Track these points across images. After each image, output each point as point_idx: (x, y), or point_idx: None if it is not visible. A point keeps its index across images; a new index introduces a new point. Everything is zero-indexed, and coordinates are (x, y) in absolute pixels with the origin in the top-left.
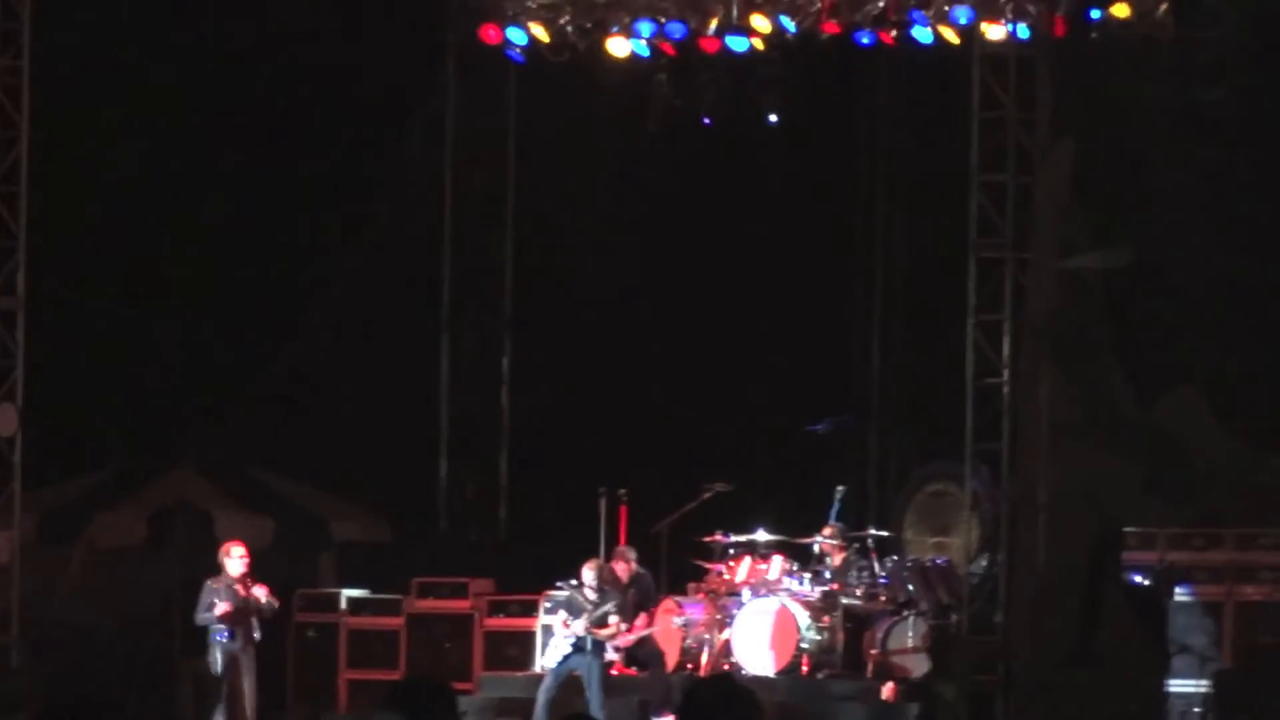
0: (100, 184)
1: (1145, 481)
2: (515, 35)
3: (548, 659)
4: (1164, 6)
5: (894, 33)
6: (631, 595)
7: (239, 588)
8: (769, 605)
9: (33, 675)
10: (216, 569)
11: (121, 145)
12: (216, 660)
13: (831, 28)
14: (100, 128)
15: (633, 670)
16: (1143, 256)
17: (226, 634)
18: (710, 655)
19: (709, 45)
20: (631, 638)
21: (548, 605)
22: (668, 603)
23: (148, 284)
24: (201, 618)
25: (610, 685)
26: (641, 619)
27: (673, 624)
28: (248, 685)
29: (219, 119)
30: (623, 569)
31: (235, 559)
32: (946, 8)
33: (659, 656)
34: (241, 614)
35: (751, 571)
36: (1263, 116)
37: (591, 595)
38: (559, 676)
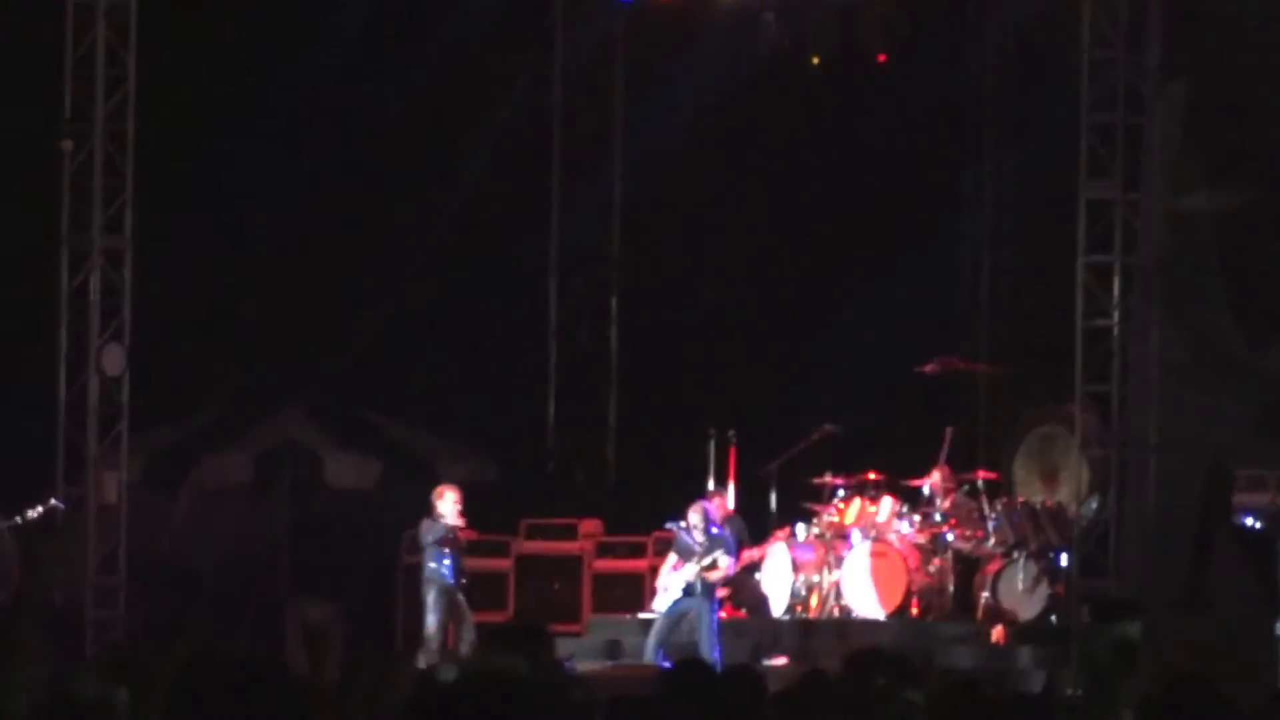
0: (207, 123)
1: (1256, 424)
2: None
3: (658, 603)
4: None
5: None
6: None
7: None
8: (879, 547)
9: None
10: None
11: (229, 82)
12: (431, 596)
13: None
14: (206, 66)
15: (742, 613)
16: (1255, 198)
17: (450, 570)
18: (819, 597)
19: None
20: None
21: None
22: (775, 542)
23: (252, 226)
24: (428, 540)
25: (721, 628)
26: (743, 555)
27: (780, 565)
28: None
29: (319, 58)
30: (719, 508)
31: (449, 503)
32: None
33: (764, 600)
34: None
35: (861, 513)
36: None
37: (700, 537)
38: (671, 618)
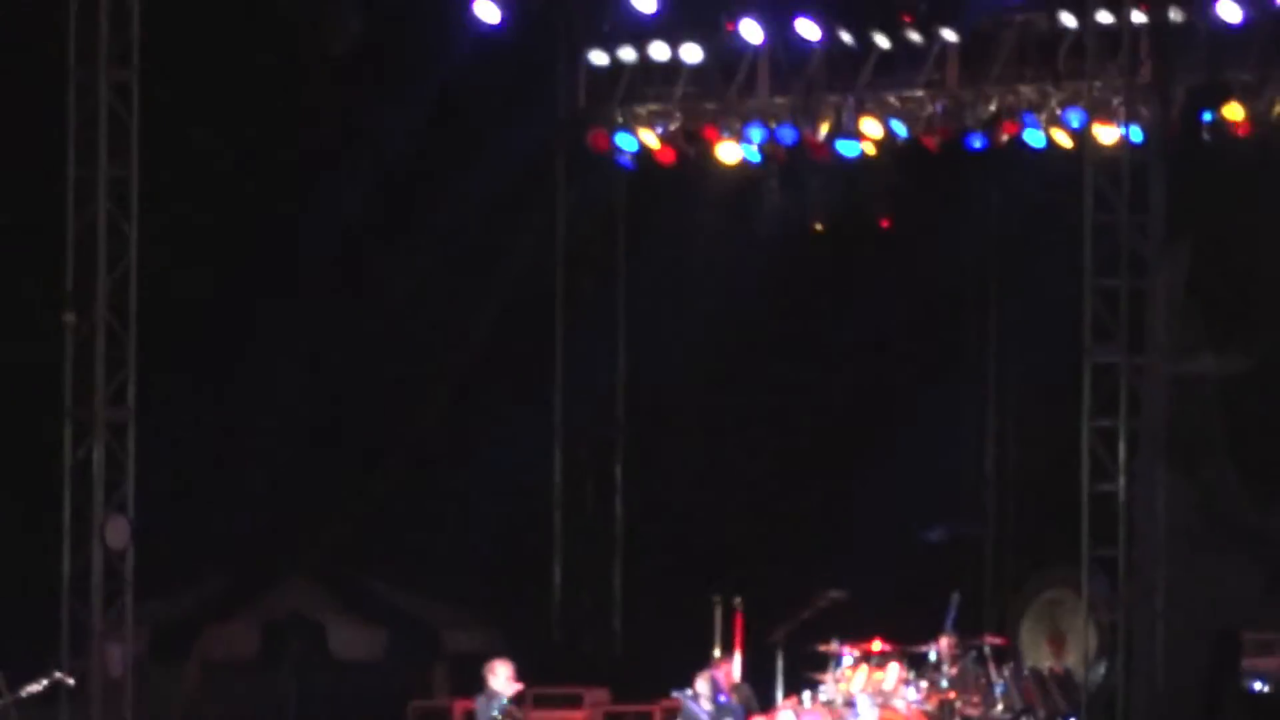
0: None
1: (1265, 587)
2: (625, 141)
3: None
4: (1278, 107)
5: (1006, 137)
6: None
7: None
8: (886, 714)
9: None
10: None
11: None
12: None
13: (943, 133)
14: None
15: None
16: (1259, 360)
17: None
18: None
19: (819, 150)
20: None
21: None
22: (783, 709)
23: (254, 394)
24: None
25: None
26: None
27: None
28: None
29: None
30: (726, 677)
31: (503, 679)
32: (1059, 111)
33: None
34: None
35: (868, 680)
36: None
37: (707, 706)
38: None
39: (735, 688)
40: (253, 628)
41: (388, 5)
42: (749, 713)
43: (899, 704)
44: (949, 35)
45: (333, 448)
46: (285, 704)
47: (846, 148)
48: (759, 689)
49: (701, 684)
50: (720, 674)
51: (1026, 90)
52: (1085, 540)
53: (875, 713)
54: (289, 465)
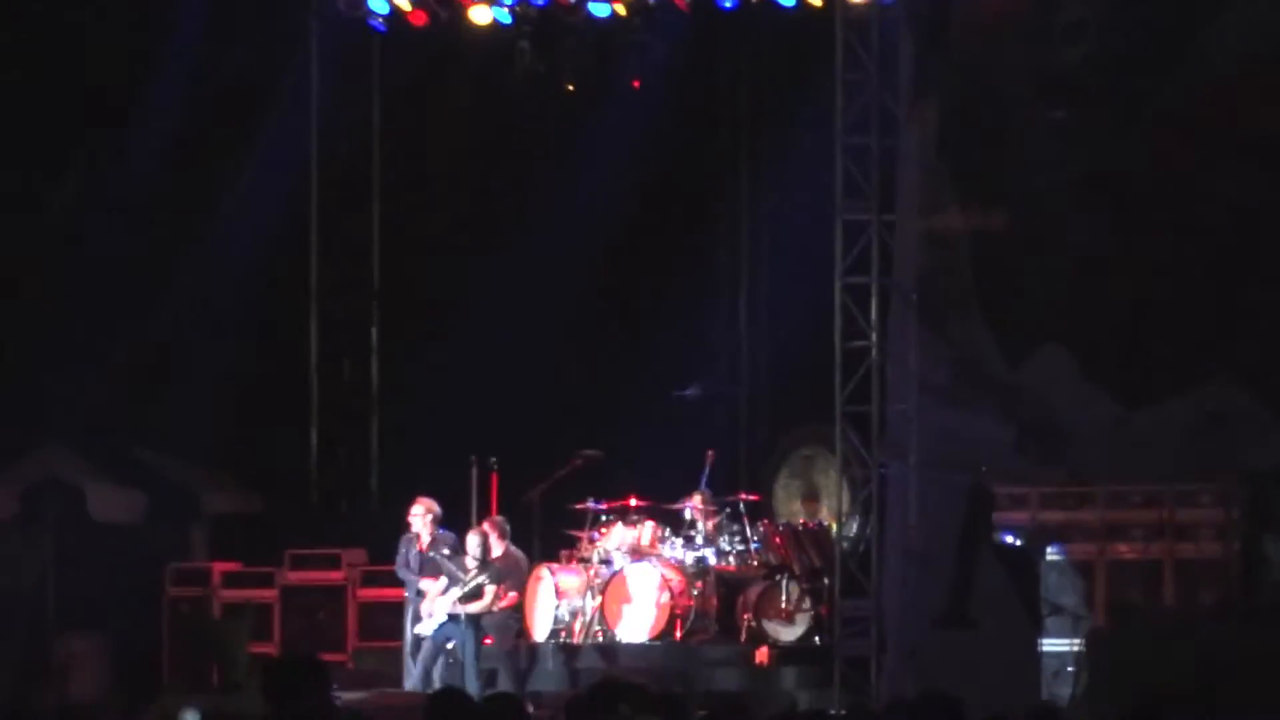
0: None
1: (1016, 441)
2: (377, 4)
3: (423, 627)
4: None
5: None
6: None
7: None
8: (641, 570)
9: None
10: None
11: None
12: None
13: None
14: None
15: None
16: (1007, 217)
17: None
18: (583, 622)
19: (570, 11)
20: (504, 604)
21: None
22: (539, 570)
23: (16, 259)
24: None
25: (484, 656)
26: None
27: (544, 591)
28: None
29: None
30: (497, 540)
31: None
32: None
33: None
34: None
35: (623, 538)
36: (1123, 76)
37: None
38: (437, 644)
39: (505, 552)
40: (9, 492)
41: None
42: (505, 579)
43: (654, 561)
44: None
45: (88, 312)
46: (43, 566)
47: (597, 9)
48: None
49: (473, 538)
50: (489, 532)
51: None
52: (839, 396)
53: (630, 569)
54: (47, 330)
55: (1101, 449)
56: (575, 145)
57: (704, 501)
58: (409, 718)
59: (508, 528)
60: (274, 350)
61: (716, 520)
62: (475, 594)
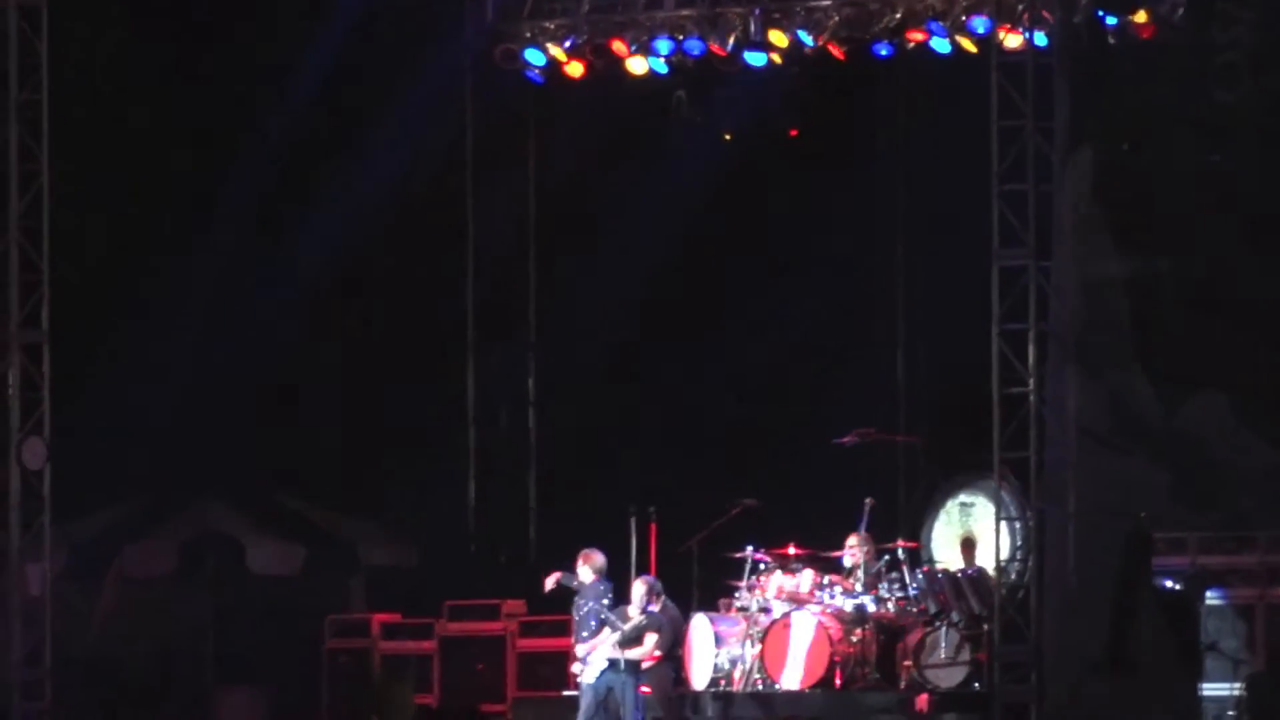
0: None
1: (1173, 487)
2: (533, 56)
3: (585, 676)
4: (1180, 10)
5: (912, 44)
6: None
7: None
8: (800, 619)
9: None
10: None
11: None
12: None
13: (849, 41)
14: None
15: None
16: (1165, 262)
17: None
18: (742, 670)
19: (727, 62)
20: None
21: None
22: (698, 618)
23: (171, 317)
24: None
25: (645, 705)
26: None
27: (703, 639)
28: None
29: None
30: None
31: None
32: (964, 17)
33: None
34: None
35: (781, 586)
36: (1277, 118)
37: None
38: (596, 694)
39: (663, 607)
40: (170, 546)
41: None
42: (661, 628)
43: (813, 608)
44: None
45: (247, 364)
46: (203, 620)
47: (754, 58)
48: (674, 598)
49: (638, 587)
50: (651, 584)
51: None
52: (996, 443)
53: (789, 617)
54: (204, 386)
55: (1259, 494)
56: (732, 195)
57: (863, 547)
58: None
59: (659, 586)
60: (431, 403)
61: (876, 567)
62: (636, 639)
